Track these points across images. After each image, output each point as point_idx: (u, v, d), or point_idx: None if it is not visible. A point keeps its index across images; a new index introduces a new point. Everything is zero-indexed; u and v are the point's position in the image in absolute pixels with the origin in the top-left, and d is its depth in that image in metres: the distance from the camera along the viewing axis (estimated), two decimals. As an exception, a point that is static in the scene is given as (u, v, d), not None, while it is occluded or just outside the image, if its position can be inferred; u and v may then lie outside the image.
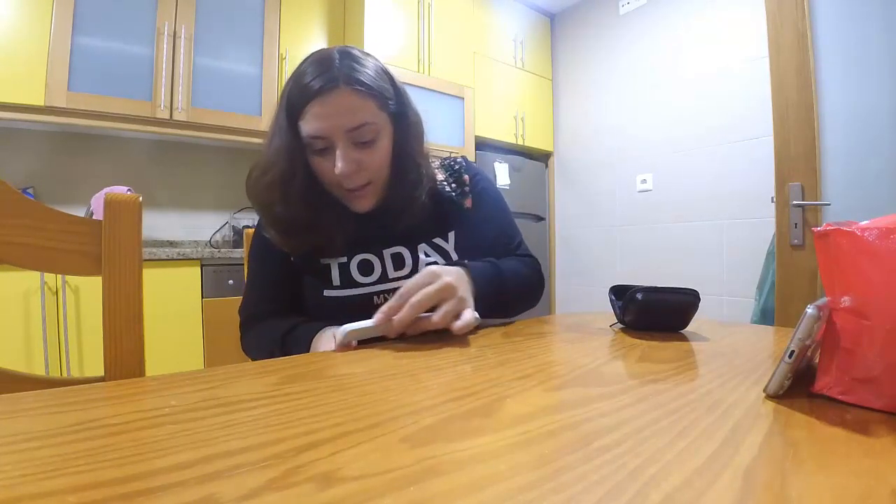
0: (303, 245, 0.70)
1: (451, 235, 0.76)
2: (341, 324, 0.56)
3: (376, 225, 0.72)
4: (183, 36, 2.02)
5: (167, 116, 2.00)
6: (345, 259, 0.71)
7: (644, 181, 2.64)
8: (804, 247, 1.36)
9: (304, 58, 0.67)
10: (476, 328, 0.65)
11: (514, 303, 0.74)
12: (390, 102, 0.68)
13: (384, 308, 0.55)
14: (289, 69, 2.31)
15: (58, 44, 1.78)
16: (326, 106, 0.62)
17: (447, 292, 0.56)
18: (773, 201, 1.43)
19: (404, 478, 0.22)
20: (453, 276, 0.58)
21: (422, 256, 0.72)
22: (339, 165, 0.63)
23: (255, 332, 0.74)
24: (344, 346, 0.54)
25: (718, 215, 2.32)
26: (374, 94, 0.64)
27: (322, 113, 0.62)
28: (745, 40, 2.19)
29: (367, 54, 0.68)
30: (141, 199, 0.57)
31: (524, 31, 3.05)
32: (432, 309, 0.56)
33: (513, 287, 0.72)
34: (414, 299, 0.54)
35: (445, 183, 0.80)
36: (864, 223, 0.32)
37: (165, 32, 1.97)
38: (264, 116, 2.26)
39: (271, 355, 0.68)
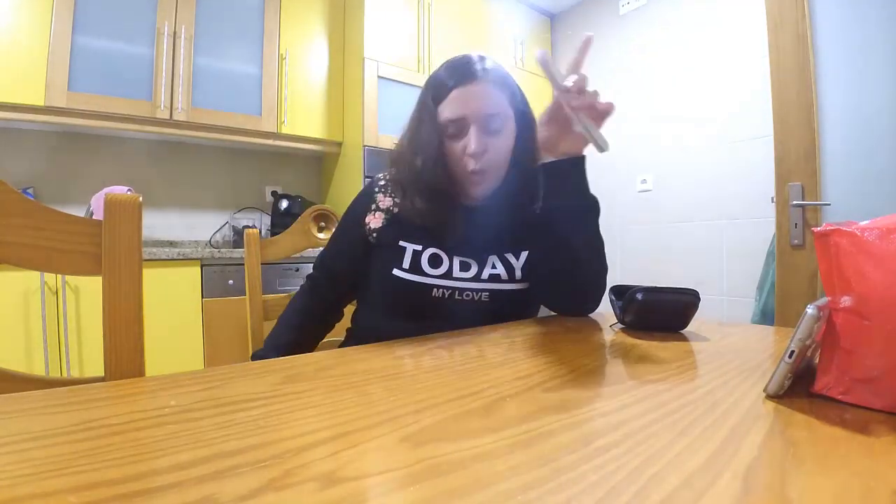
0: (415, 210, 0.76)
1: (523, 255, 0.77)
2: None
3: (470, 226, 0.76)
4: (183, 36, 2.02)
5: (167, 116, 2.00)
6: (420, 247, 0.75)
7: (644, 181, 2.64)
8: (804, 247, 1.36)
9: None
10: (475, 331, 0.66)
11: (591, 236, 0.80)
12: (518, 100, 0.77)
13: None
14: (289, 69, 2.32)
15: (58, 44, 1.77)
16: (467, 93, 0.72)
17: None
18: (773, 201, 1.42)
19: (404, 478, 0.22)
20: None
21: (488, 267, 0.75)
22: (472, 144, 0.71)
23: (284, 316, 0.86)
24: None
25: (718, 215, 2.31)
26: (506, 90, 0.75)
27: (462, 98, 0.72)
28: (745, 40, 2.19)
29: (496, 63, 0.78)
30: (141, 199, 0.57)
31: (524, 31, 3.04)
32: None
33: (593, 221, 0.81)
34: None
35: None
36: (864, 223, 0.32)
37: (165, 32, 1.97)
38: (264, 116, 2.26)
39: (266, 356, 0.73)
